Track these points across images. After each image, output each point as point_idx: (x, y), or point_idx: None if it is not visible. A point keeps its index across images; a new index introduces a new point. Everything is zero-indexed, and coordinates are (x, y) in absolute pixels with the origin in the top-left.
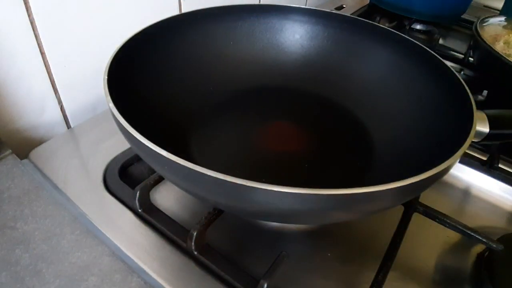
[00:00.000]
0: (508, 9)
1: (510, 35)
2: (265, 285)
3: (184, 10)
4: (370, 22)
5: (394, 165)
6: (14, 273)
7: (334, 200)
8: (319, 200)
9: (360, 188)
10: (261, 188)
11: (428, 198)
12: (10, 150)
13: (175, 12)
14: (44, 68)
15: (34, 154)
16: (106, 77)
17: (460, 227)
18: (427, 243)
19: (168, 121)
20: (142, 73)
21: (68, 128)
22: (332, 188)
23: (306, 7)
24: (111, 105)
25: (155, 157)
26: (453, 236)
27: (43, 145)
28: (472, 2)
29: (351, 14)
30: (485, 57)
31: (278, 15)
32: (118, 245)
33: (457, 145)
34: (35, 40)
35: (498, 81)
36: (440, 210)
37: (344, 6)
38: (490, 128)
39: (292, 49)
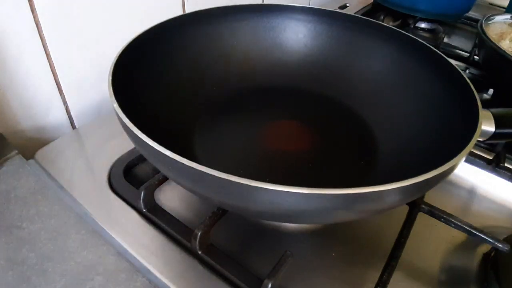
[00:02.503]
0: None
1: None
2: (270, 285)
3: (187, 11)
4: (374, 21)
5: (399, 165)
6: (20, 272)
7: (338, 200)
8: (323, 199)
9: (364, 187)
10: (265, 188)
11: (433, 197)
12: (16, 151)
13: (178, 12)
14: (49, 70)
15: (40, 154)
16: (111, 77)
17: (466, 227)
18: (432, 243)
19: (172, 121)
20: (146, 74)
21: (73, 128)
22: (336, 188)
23: (310, 6)
24: (116, 105)
25: (159, 157)
26: (458, 236)
27: (48, 146)
28: (477, 0)
29: (355, 13)
30: (490, 55)
31: (282, 15)
32: (123, 244)
33: (462, 144)
34: (40, 41)
35: (504, 79)
36: (446, 210)
37: (348, 5)
38: (496, 127)
39: (296, 49)
